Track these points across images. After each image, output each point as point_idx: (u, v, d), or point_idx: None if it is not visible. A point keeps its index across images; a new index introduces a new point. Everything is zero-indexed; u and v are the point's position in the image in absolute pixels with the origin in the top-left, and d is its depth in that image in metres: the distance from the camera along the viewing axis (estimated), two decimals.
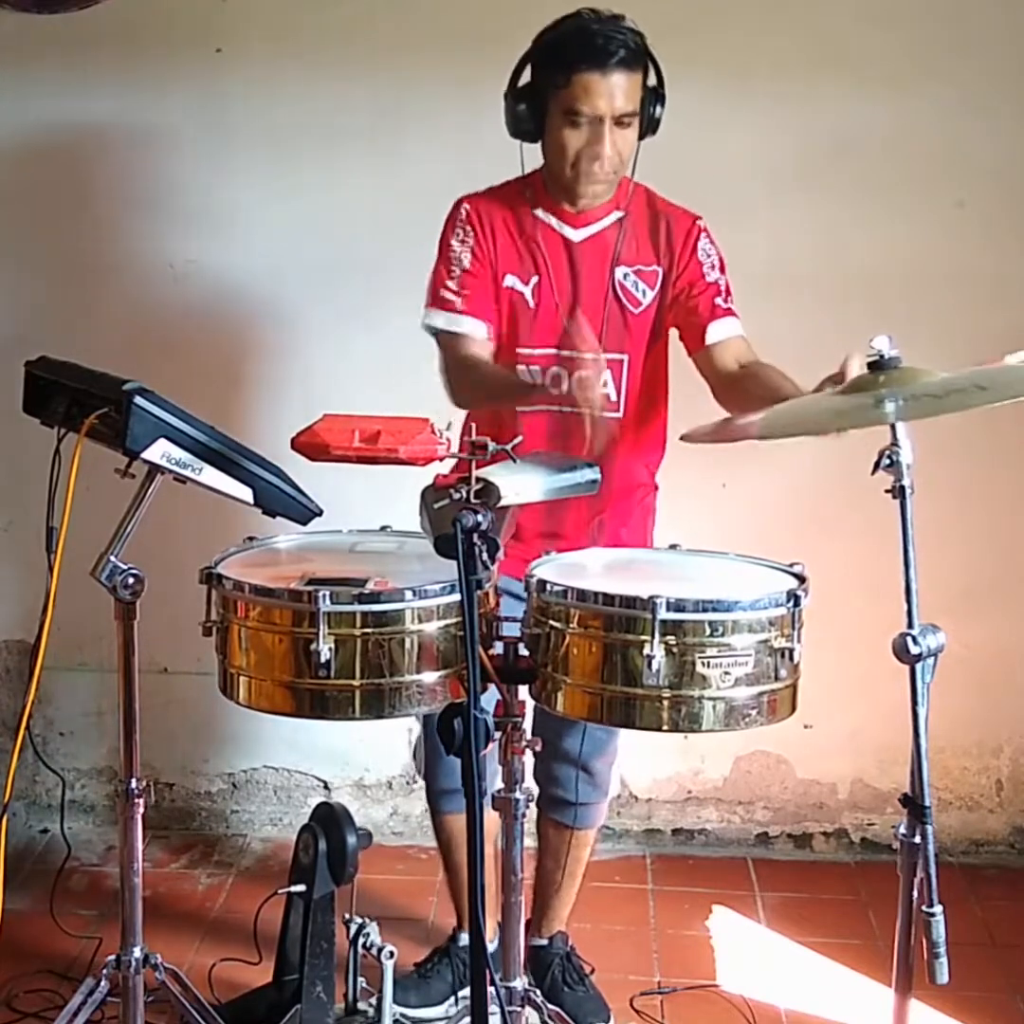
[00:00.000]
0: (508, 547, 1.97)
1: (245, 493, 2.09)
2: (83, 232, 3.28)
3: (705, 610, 1.84)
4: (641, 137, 2.38)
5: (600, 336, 2.40)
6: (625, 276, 2.44)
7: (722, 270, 2.47)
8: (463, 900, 2.74)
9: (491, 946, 1.93)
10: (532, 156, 2.44)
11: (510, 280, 2.44)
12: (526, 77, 2.38)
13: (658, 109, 2.37)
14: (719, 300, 2.45)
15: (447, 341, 2.43)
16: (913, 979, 1.84)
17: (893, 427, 1.73)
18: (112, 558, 2.05)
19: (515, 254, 2.45)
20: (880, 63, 3.07)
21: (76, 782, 3.48)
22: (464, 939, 2.74)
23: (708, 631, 1.84)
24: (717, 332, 2.44)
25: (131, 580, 2.06)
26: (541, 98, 2.34)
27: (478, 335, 2.41)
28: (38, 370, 2.23)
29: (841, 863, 3.38)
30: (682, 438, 2.06)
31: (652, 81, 2.36)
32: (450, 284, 2.43)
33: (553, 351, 2.44)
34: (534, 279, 2.43)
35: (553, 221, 2.45)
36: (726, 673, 1.84)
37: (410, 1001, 2.67)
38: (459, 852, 2.67)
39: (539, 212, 2.45)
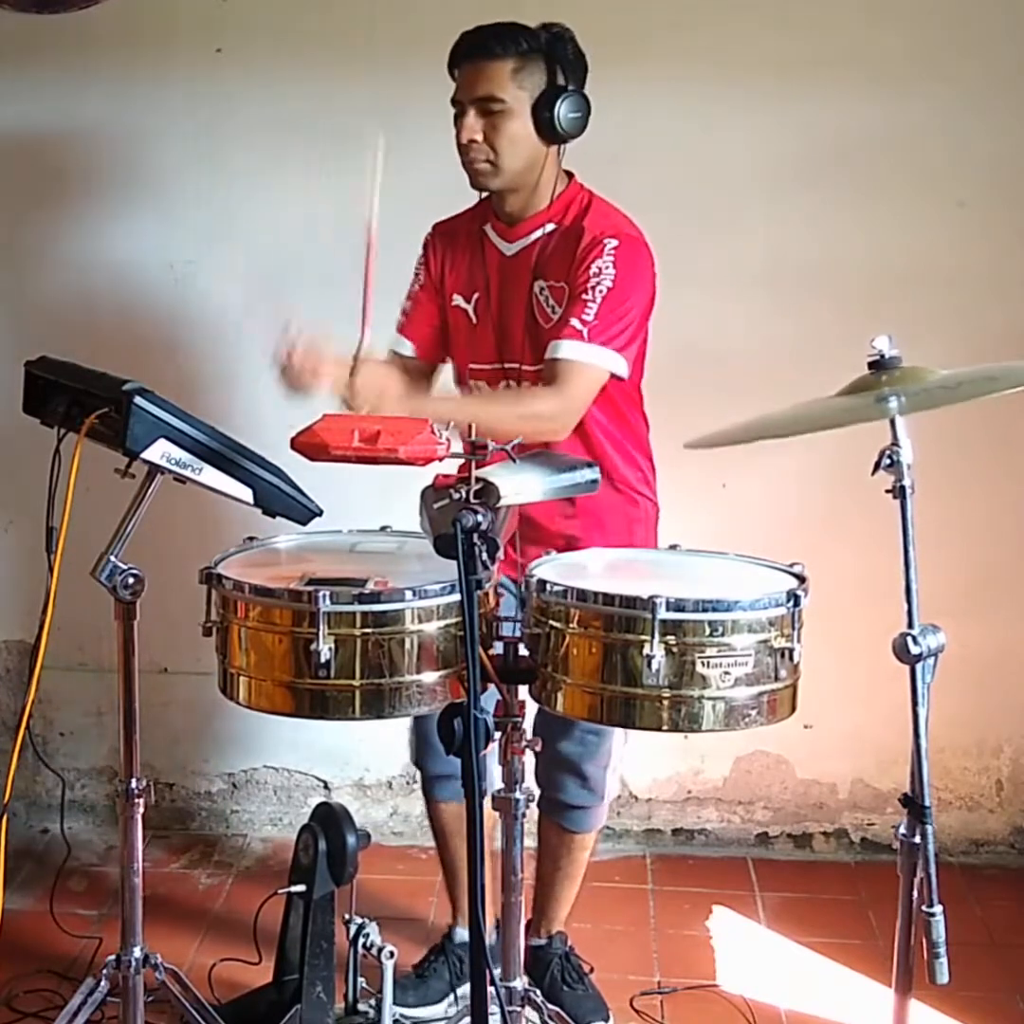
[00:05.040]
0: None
1: (245, 493, 2.09)
2: (83, 232, 3.28)
3: (705, 610, 1.84)
4: (549, 140, 2.38)
5: (519, 350, 2.45)
6: (540, 290, 2.45)
7: (607, 297, 2.33)
8: (457, 893, 2.76)
9: (489, 939, 1.93)
10: None
11: (457, 299, 2.55)
12: None
13: (561, 107, 2.35)
14: (575, 321, 2.33)
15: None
16: (913, 979, 1.84)
17: (893, 426, 1.74)
18: (112, 558, 2.05)
19: (464, 273, 2.54)
20: (880, 63, 3.06)
21: (76, 782, 3.49)
22: (460, 935, 2.76)
23: (708, 631, 1.83)
24: (555, 350, 2.35)
25: (131, 580, 2.06)
26: None
27: (404, 352, 2.61)
28: (38, 370, 2.22)
29: (841, 863, 3.39)
30: (687, 446, 2.06)
31: (558, 80, 2.36)
32: (405, 305, 2.62)
33: (498, 365, 2.48)
34: (475, 296, 2.51)
35: (493, 236, 2.51)
36: (726, 673, 1.84)
37: (409, 1001, 2.67)
38: (453, 841, 2.69)
39: (487, 228, 2.52)
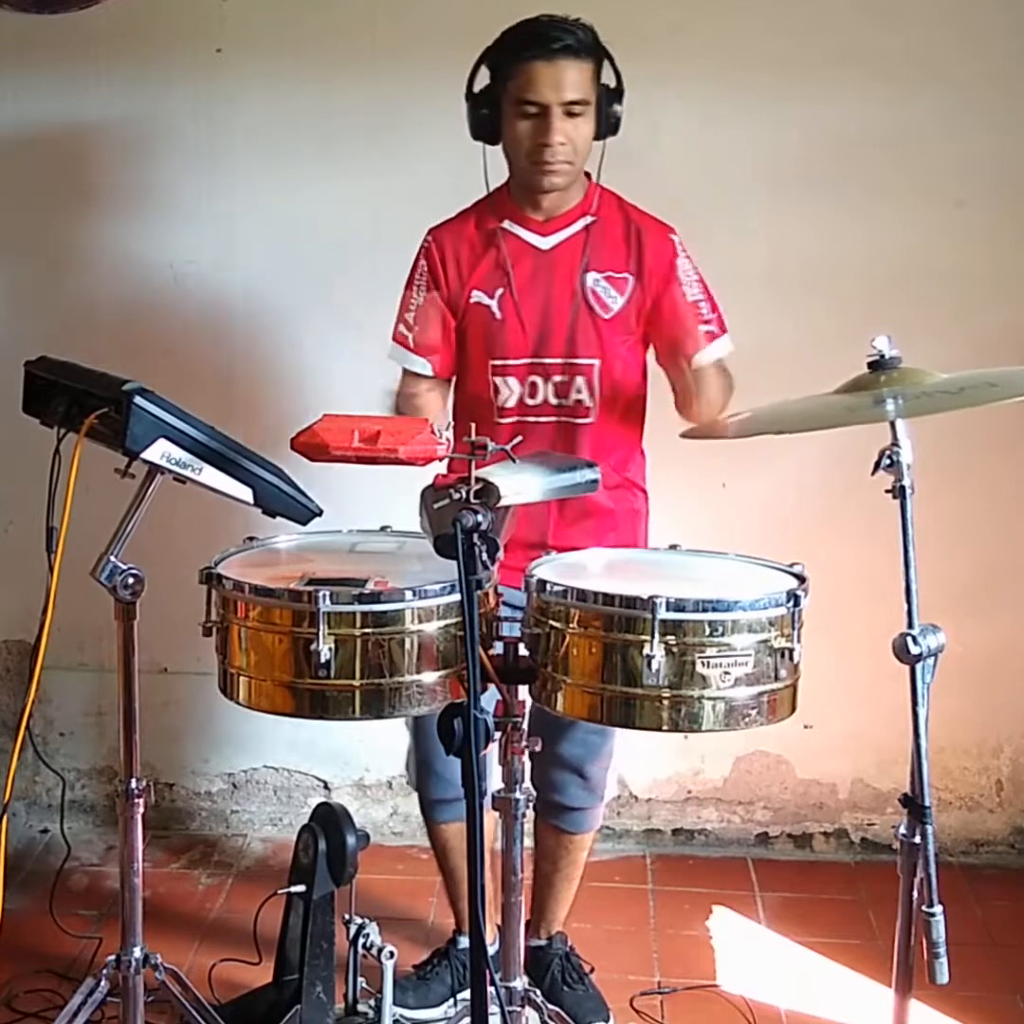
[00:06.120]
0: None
1: (245, 493, 2.09)
2: (83, 232, 3.28)
3: (705, 610, 1.84)
4: (601, 137, 2.41)
5: (563, 344, 2.44)
6: (595, 282, 2.45)
7: (702, 285, 2.47)
8: (460, 905, 2.74)
9: (491, 949, 1.93)
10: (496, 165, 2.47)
11: (476, 296, 2.49)
12: (485, 79, 2.43)
13: (616, 107, 2.40)
14: (704, 327, 2.44)
15: (403, 373, 2.56)
16: (913, 979, 1.84)
17: (893, 427, 1.74)
18: (112, 558, 2.04)
19: (480, 270, 2.49)
20: (881, 63, 3.06)
21: (76, 782, 3.49)
22: (463, 942, 2.74)
23: (708, 631, 1.83)
24: (701, 358, 2.44)
25: (131, 580, 2.06)
26: (496, 96, 2.40)
27: (424, 373, 2.53)
28: (38, 370, 2.22)
29: (841, 863, 3.38)
30: (682, 435, 2.06)
31: (609, 80, 2.39)
32: (407, 318, 2.54)
33: (528, 361, 2.47)
34: (499, 291, 2.47)
35: (521, 232, 2.48)
36: (726, 673, 1.84)
37: (408, 1002, 2.67)
38: (454, 857, 2.68)
39: (507, 224, 2.48)
